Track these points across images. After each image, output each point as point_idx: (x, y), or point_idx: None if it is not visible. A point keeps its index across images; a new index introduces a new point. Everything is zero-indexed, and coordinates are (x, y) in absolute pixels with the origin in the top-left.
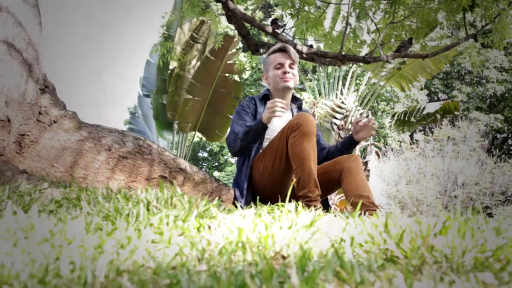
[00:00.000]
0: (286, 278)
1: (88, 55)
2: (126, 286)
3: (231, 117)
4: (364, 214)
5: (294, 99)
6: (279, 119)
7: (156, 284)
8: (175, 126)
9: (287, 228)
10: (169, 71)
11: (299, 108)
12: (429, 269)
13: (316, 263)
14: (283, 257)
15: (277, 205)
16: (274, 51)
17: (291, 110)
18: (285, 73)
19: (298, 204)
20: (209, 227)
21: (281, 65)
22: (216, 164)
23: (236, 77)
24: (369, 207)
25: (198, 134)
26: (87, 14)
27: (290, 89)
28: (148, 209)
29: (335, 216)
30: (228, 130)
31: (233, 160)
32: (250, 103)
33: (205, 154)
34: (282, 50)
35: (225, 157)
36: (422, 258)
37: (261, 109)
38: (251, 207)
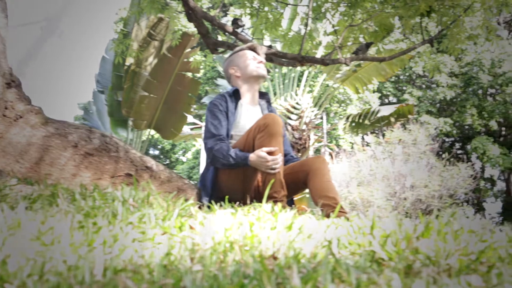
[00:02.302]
0: (284, 279)
1: (43, 48)
2: (128, 285)
3: (187, 115)
4: (329, 216)
5: (261, 94)
6: (247, 117)
7: (155, 283)
8: (130, 123)
9: (270, 229)
10: (125, 68)
11: (268, 102)
12: (417, 271)
13: (307, 264)
14: (275, 258)
15: (254, 205)
16: (242, 50)
17: (259, 105)
18: (260, 62)
19: (274, 205)
20: (191, 227)
21: (254, 58)
22: (167, 162)
23: (190, 75)
24: (335, 209)
25: (150, 132)
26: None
27: (263, 78)
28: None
29: (309, 217)
30: (203, 130)
31: (185, 158)
32: (222, 100)
33: (156, 152)
34: (253, 49)
35: (177, 155)
36: (407, 260)
37: (232, 106)
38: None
